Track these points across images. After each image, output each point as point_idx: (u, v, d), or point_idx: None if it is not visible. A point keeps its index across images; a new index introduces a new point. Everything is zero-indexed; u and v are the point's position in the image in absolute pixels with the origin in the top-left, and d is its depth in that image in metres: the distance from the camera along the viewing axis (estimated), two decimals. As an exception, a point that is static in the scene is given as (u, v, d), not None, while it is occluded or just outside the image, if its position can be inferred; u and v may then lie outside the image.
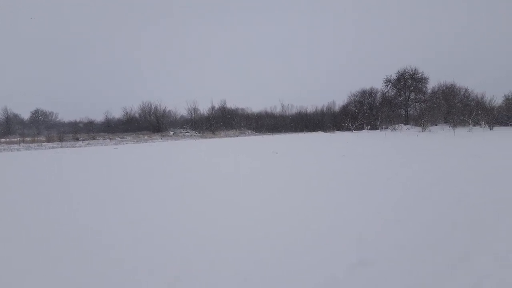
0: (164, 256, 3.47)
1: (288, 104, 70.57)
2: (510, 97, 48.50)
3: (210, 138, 41.97)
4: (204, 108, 69.55)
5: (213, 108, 60.58)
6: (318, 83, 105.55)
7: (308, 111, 63.50)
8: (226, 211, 5.22)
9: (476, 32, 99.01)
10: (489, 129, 38.49)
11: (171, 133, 48.96)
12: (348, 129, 52.74)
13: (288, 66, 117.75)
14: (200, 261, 3.31)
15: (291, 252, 3.45)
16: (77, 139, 38.47)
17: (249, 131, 55.10)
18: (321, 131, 53.32)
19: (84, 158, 16.51)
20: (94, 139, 39.48)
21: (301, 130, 54.83)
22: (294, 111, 66.22)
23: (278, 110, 68.36)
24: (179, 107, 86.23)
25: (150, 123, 52.73)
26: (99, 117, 61.42)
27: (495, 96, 58.56)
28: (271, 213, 5.04)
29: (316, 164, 11.29)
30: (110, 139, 39.50)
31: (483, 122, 41.44)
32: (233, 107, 63.91)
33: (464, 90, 56.50)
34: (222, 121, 55.97)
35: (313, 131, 54.25)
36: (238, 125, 56.93)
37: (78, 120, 58.58)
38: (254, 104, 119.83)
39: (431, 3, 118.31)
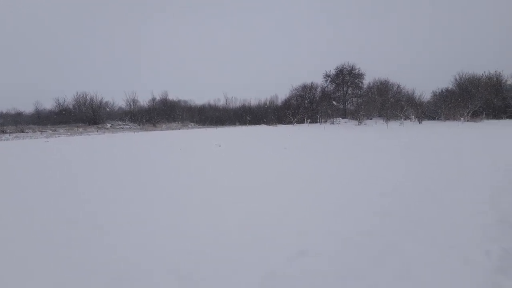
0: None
1: (232, 97, 72.70)
2: (437, 93, 53.80)
3: (150, 131, 42.25)
4: (144, 100, 68.64)
5: (154, 99, 60.51)
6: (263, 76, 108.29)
7: (251, 104, 65.76)
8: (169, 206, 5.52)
9: (410, 33, 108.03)
10: (418, 123, 43.05)
11: (109, 125, 48.34)
12: (290, 123, 55.51)
13: (234, 58, 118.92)
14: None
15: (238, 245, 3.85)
16: (3, 132, 36.68)
17: (192, 123, 56.17)
18: (264, 124, 55.60)
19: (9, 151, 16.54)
20: (22, 131, 37.90)
21: (245, 123, 56.74)
22: (237, 104, 68.55)
23: (221, 102, 70.32)
24: (117, 99, 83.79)
25: (85, 115, 51.25)
26: (28, 109, 57.90)
27: (424, 92, 65.08)
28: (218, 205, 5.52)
29: (259, 156, 11.91)
30: (41, 131, 38.21)
31: (413, 116, 46.37)
32: (175, 99, 64.07)
33: (396, 86, 61.04)
34: (164, 113, 56.00)
35: (257, 124, 56.45)
36: (180, 118, 57.38)
37: (4, 111, 54.95)
38: (198, 97, 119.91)
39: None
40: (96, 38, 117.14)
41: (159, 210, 5.37)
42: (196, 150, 15.12)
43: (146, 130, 44.36)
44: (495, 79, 52.01)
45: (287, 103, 62.06)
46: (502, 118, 45.32)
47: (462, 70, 65.70)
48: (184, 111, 60.54)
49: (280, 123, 56.45)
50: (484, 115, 44.93)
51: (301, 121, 56.67)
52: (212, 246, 3.83)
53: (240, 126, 53.40)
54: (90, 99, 53.48)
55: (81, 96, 53.78)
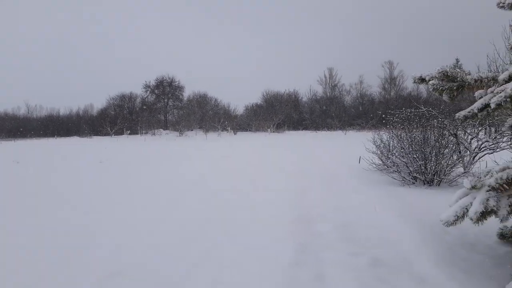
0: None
1: (36, 105, 65.64)
2: (249, 107, 65.00)
3: None
4: None
5: None
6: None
7: (61, 113, 61.78)
8: None
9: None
10: (233, 134, 50.20)
11: None
12: (107, 134, 54.72)
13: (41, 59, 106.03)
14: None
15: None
16: None
17: (-21, 136, 48.48)
18: (77, 135, 53.34)
19: None
20: None
21: (53, 135, 52.87)
22: (44, 113, 62.98)
23: (23, 111, 62.90)
24: None
25: None
26: None
27: (238, 106, 75.28)
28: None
29: (71, 174, 11.58)
30: None
31: (229, 128, 53.52)
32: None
33: (214, 100, 69.07)
34: None
35: (67, 135, 53.64)
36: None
37: None
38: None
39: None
40: None
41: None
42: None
43: None
44: (293, 96, 66.07)
45: (103, 113, 61.01)
46: (299, 129, 58.61)
47: (268, 88, 79.00)
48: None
49: (97, 135, 54.98)
50: (286, 127, 56.36)
51: (120, 132, 56.52)
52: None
53: (47, 138, 49.56)
54: None
55: None
